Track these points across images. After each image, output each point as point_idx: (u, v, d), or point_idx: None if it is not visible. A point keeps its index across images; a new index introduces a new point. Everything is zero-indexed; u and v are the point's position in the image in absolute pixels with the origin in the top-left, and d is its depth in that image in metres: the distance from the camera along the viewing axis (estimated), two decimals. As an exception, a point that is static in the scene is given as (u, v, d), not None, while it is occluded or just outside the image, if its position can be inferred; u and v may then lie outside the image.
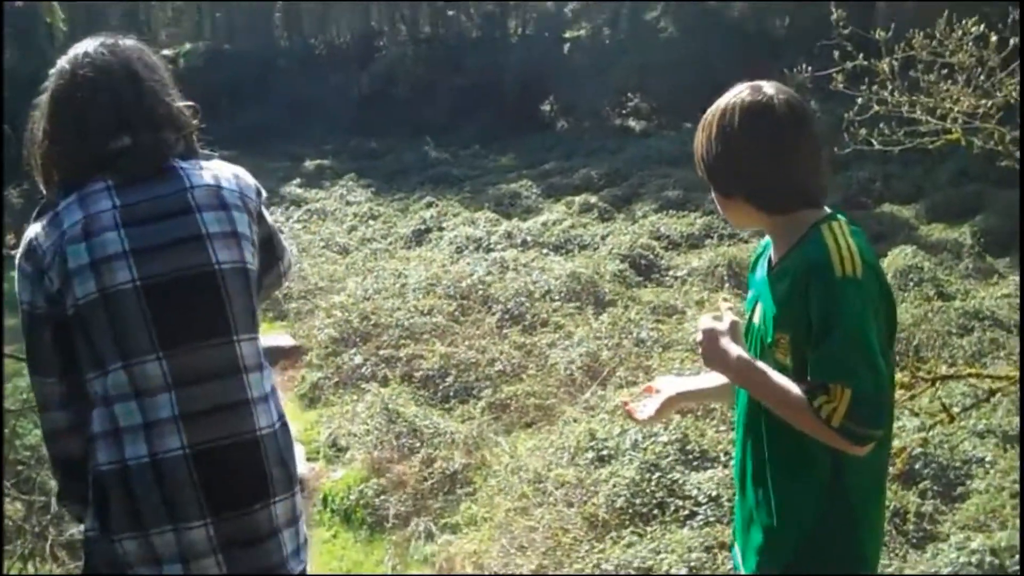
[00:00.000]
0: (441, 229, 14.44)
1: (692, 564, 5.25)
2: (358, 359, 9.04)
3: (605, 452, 6.44)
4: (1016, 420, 6.47)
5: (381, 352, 9.03)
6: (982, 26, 5.33)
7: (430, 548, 6.14)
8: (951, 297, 9.92)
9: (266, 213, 2.60)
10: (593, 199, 15.69)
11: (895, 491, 5.65)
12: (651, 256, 12.11)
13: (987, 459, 6.17)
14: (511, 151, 22.96)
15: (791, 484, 2.40)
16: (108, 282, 2.30)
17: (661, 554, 5.37)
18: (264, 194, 2.60)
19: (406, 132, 24.85)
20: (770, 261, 2.50)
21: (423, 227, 14.67)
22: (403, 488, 6.77)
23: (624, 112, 27.36)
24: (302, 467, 6.90)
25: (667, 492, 5.92)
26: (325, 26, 34.69)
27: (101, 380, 2.32)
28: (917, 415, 6.05)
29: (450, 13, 31.90)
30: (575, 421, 7.16)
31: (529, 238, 13.27)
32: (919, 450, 6.07)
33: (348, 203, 17.26)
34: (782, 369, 2.32)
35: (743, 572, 2.56)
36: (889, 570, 5.19)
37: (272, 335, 10.10)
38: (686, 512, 5.74)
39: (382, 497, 6.73)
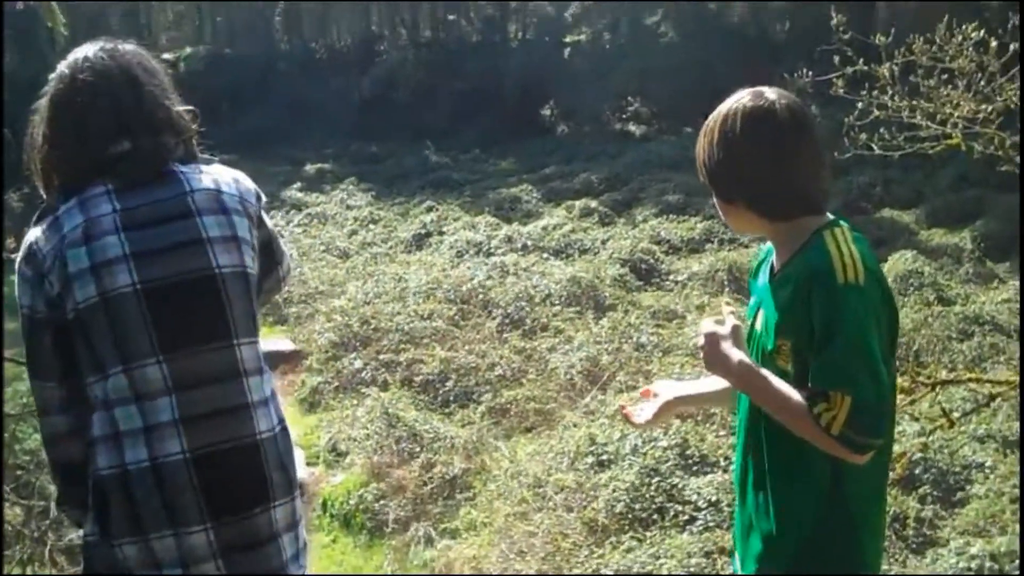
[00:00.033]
0: (441, 233, 14.44)
1: (692, 569, 5.25)
2: (358, 363, 9.04)
3: (605, 457, 6.44)
4: (1016, 425, 6.46)
5: (381, 356, 9.02)
6: (982, 31, 5.33)
7: (429, 553, 6.13)
8: (951, 302, 9.92)
9: (266, 217, 2.60)
10: (593, 203, 15.70)
11: (895, 496, 5.65)
12: (651, 260, 12.11)
13: (987, 464, 6.17)
14: (511, 155, 22.98)
15: (790, 490, 2.39)
16: (108, 286, 2.30)
17: (661, 559, 5.37)
18: (264, 198, 2.61)
19: (407, 136, 24.86)
20: (772, 267, 2.49)
21: (423, 231, 14.67)
22: (403, 493, 6.77)
23: (624, 116, 27.36)
24: (302, 471, 6.90)
25: (667, 497, 5.91)
26: (325, 30, 34.71)
27: (101, 384, 2.32)
28: (917, 420, 6.05)
29: (450, 17, 31.94)
30: (575, 426, 7.15)
31: (529, 242, 13.27)
32: (919, 455, 6.06)
33: (348, 207, 17.28)
34: (783, 376, 2.31)
35: None
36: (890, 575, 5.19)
37: (272, 339, 10.10)
38: (686, 517, 5.74)
39: (382, 502, 6.72)
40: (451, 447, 7.16)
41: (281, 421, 2.48)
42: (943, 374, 6.22)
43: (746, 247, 11.77)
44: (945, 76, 5.53)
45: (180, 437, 2.30)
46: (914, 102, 5.57)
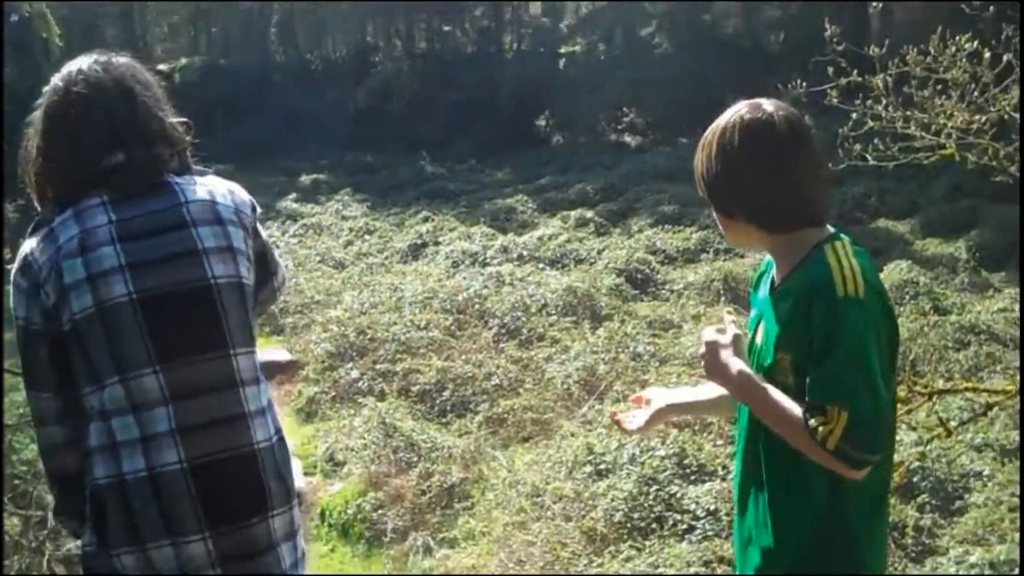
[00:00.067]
0: (437, 244, 14.46)
1: (690, 578, 5.25)
2: (355, 373, 9.04)
3: (603, 466, 6.44)
4: (1014, 434, 6.47)
5: (378, 366, 9.03)
6: (976, 42, 5.35)
7: (428, 562, 6.13)
8: (947, 311, 9.94)
9: (261, 228, 2.61)
10: (589, 214, 15.72)
11: (893, 505, 5.65)
12: (647, 270, 12.13)
13: (985, 473, 6.18)
14: (507, 166, 23.01)
15: (788, 504, 2.38)
16: (104, 296, 2.30)
17: (659, 568, 5.37)
18: (259, 209, 2.61)
19: (402, 147, 24.89)
20: (773, 281, 2.49)
21: (419, 242, 14.69)
22: (401, 502, 6.76)
23: (619, 127, 27.43)
24: (299, 481, 6.89)
25: (665, 506, 5.91)
26: (320, 41, 34.81)
27: (98, 394, 2.32)
28: (914, 429, 6.05)
29: (446, 28, 32.03)
30: (572, 435, 7.15)
31: (525, 252, 13.28)
32: (917, 464, 6.07)
33: (344, 218, 17.29)
34: (784, 389, 2.30)
35: None
36: (887, 584, 5.19)
37: (268, 350, 10.10)
38: (684, 526, 5.73)
39: (380, 511, 6.72)
40: (449, 456, 7.15)
41: (278, 431, 2.48)
42: (940, 383, 6.22)
43: (742, 257, 11.80)
44: (939, 87, 5.54)
45: (177, 447, 2.30)
46: (908, 113, 5.58)
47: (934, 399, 5.43)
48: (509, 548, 5.89)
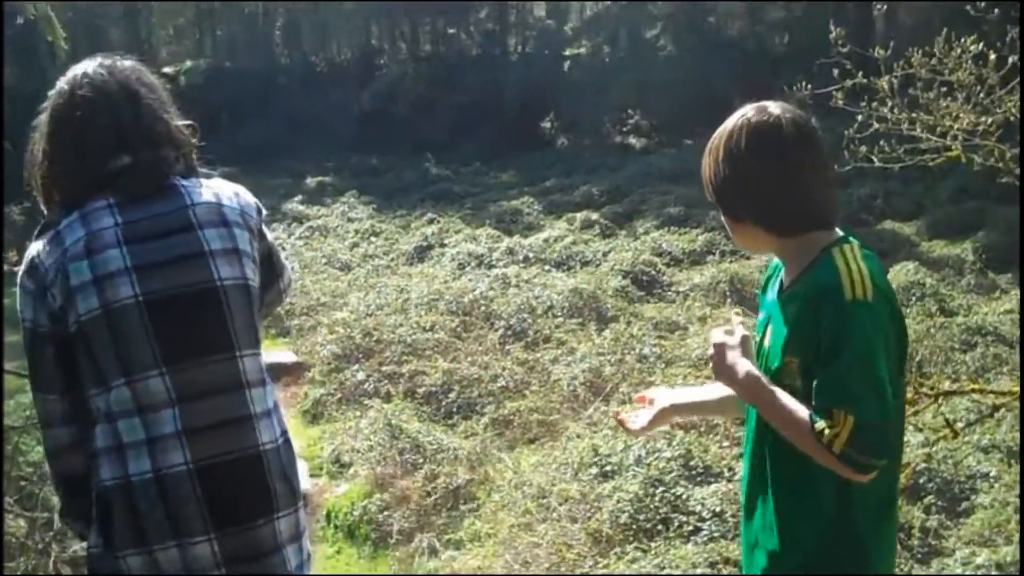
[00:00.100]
0: (443, 246, 14.47)
1: (696, 580, 5.25)
2: (361, 375, 9.05)
3: (608, 468, 6.44)
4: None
5: (384, 368, 9.04)
6: (981, 44, 5.34)
7: (434, 564, 6.13)
8: (953, 313, 9.93)
9: (266, 231, 2.61)
10: (594, 216, 15.73)
11: (899, 506, 5.64)
12: (653, 272, 12.13)
13: (991, 474, 6.17)
14: (512, 168, 23.03)
15: (795, 508, 2.36)
16: (111, 298, 2.30)
17: (665, 570, 5.37)
18: (264, 212, 2.61)
19: (407, 149, 24.91)
20: (781, 283, 2.48)
21: (425, 244, 14.70)
22: (407, 504, 6.77)
23: (624, 129, 27.45)
24: (305, 483, 6.89)
25: (671, 508, 5.91)
26: (326, 44, 34.83)
27: (104, 396, 2.33)
28: (921, 431, 6.05)
29: (450, 31, 32.05)
30: (578, 437, 7.15)
31: (531, 254, 13.29)
32: (923, 465, 6.07)
33: (350, 220, 17.31)
34: (792, 392, 2.29)
35: None
36: (894, 586, 5.18)
37: (274, 351, 10.12)
38: (690, 528, 5.73)
39: (385, 513, 6.72)
40: (454, 458, 7.16)
41: (284, 433, 2.48)
42: (946, 385, 6.21)
43: (748, 259, 11.79)
44: (944, 88, 5.53)
45: (183, 449, 2.30)
46: (914, 114, 5.57)
47: (940, 400, 5.41)
48: (515, 549, 5.89)
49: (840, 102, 5.75)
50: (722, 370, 2.39)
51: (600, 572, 5.56)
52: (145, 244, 2.35)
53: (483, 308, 10.39)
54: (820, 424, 2.18)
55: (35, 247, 2.39)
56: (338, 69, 32.93)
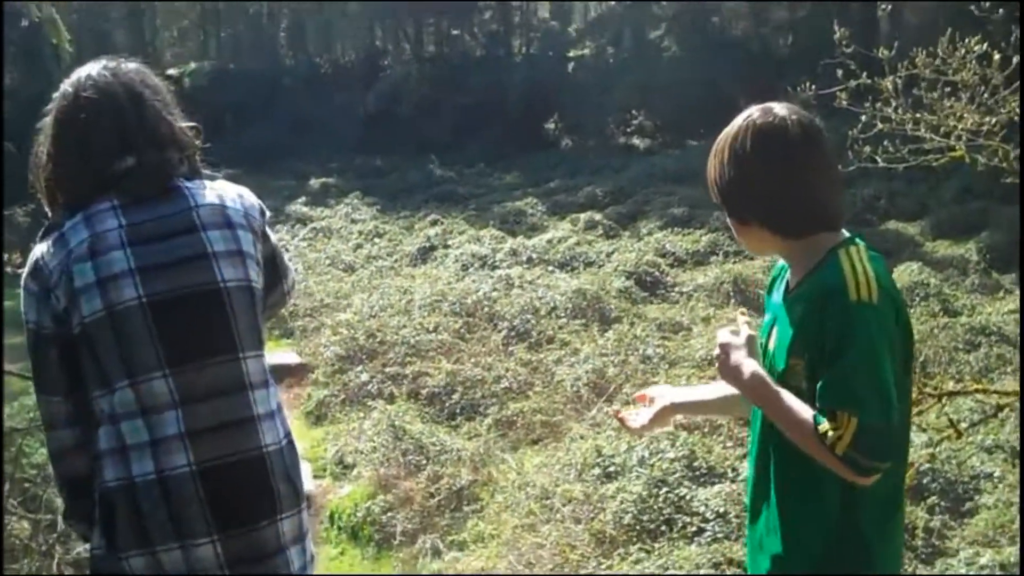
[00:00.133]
0: (446, 247, 14.48)
1: (700, 581, 5.24)
2: (364, 376, 9.05)
3: (612, 468, 6.44)
4: (1024, 436, 6.46)
5: (387, 369, 9.04)
6: (985, 44, 5.34)
7: (437, 565, 6.14)
8: (957, 313, 9.92)
9: (270, 232, 2.61)
10: (598, 216, 15.73)
11: (905, 508, 5.65)
12: (656, 273, 12.12)
13: (995, 474, 6.17)
14: (516, 169, 23.04)
15: (800, 511, 2.35)
16: (115, 299, 2.30)
17: (669, 571, 5.37)
18: (268, 213, 2.61)
19: (411, 150, 24.93)
20: (787, 285, 2.47)
21: (428, 245, 14.71)
22: (410, 505, 6.77)
23: (628, 130, 27.45)
24: (309, 484, 6.90)
25: (674, 508, 5.91)
26: (330, 45, 34.86)
27: (108, 398, 2.33)
28: (924, 431, 6.04)
29: (454, 32, 32.05)
30: (582, 438, 7.16)
31: (534, 255, 13.29)
32: (927, 466, 6.06)
33: (353, 221, 17.32)
34: (798, 394, 2.28)
35: None
36: (898, 586, 5.18)
37: (278, 353, 10.13)
38: (694, 528, 5.73)
39: (389, 514, 6.73)
40: (458, 459, 7.16)
41: (287, 434, 2.48)
42: (950, 385, 6.20)
43: (751, 259, 11.78)
44: (948, 89, 5.53)
45: (186, 450, 2.30)
46: (918, 115, 5.57)
47: (944, 400, 5.41)
48: (518, 550, 5.89)
49: (844, 102, 5.75)
50: (728, 370, 2.38)
51: (604, 573, 5.56)
52: (149, 246, 2.35)
53: (486, 309, 10.40)
54: (823, 426, 2.16)
55: (39, 249, 2.39)
56: (342, 70, 32.96)
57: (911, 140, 5.78)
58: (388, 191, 20.88)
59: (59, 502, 3.17)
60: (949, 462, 6.27)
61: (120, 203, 2.38)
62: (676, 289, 11.66)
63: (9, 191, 8.70)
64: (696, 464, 6.29)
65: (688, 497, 5.98)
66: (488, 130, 26.20)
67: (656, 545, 5.67)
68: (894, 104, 5.55)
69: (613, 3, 31.56)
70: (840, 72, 5.74)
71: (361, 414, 8.37)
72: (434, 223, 16.13)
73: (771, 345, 2.41)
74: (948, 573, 5.28)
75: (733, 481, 6.08)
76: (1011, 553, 5.21)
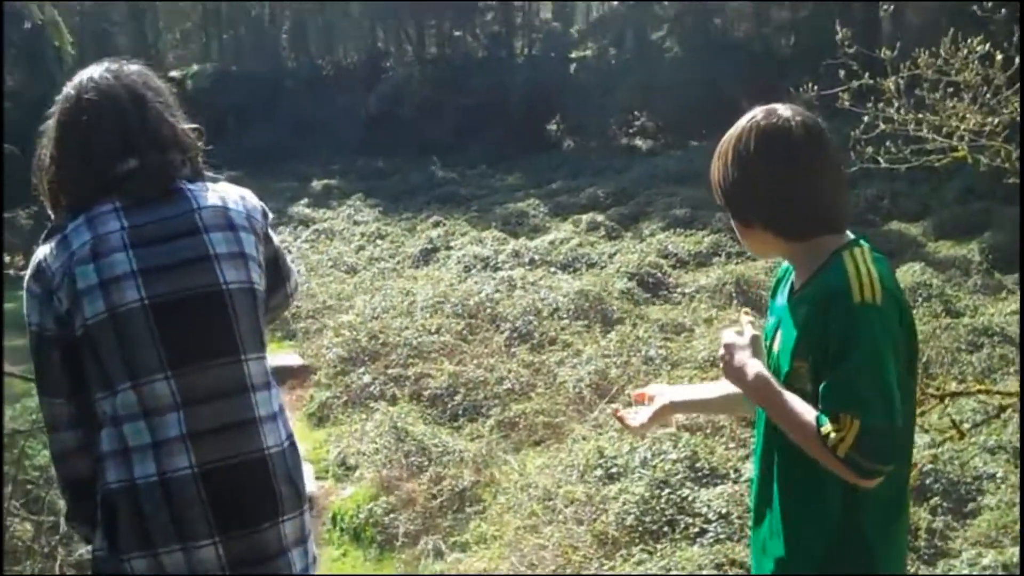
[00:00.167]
0: (448, 248, 14.48)
1: (702, 582, 5.24)
2: (366, 378, 9.06)
3: (614, 470, 6.44)
4: (1027, 436, 6.45)
5: (389, 371, 9.05)
6: (987, 44, 5.33)
7: (439, 566, 6.14)
8: (960, 314, 9.91)
9: (272, 234, 2.61)
10: (600, 218, 15.73)
11: (909, 509, 5.64)
12: (659, 274, 12.13)
13: (998, 475, 6.16)
14: (518, 170, 23.05)
15: (803, 514, 2.34)
16: (117, 301, 2.30)
17: (671, 572, 5.36)
18: (270, 216, 2.61)
19: (413, 152, 24.95)
20: (791, 287, 2.46)
21: (430, 246, 14.71)
22: (412, 506, 6.77)
23: (630, 131, 27.45)
24: (311, 486, 6.91)
25: (677, 509, 5.91)
26: (332, 47, 34.88)
27: (110, 400, 2.33)
28: (927, 432, 6.04)
29: (456, 34, 32.06)
30: (584, 439, 7.16)
31: (536, 257, 13.29)
32: (929, 466, 6.06)
33: (356, 223, 17.33)
34: (802, 396, 2.27)
35: None
36: (900, 587, 5.17)
37: (280, 355, 10.13)
38: (696, 529, 5.73)
39: (391, 515, 6.73)
40: (460, 460, 7.16)
41: (289, 436, 2.48)
42: (952, 386, 6.21)
43: (754, 260, 11.78)
44: (951, 89, 5.53)
45: (188, 452, 2.30)
46: (920, 115, 5.57)
47: (946, 401, 5.41)
48: (521, 552, 5.89)
49: (846, 103, 5.75)
50: (732, 370, 2.37)
51: (606, 574, 5.56)
52: (151, 248, 2.35)
53: (489, 310, 10.40)
54: (826, 427, 2.15)
55: (42, 251, 2.39)
56: (344, 72, 32.98)
57: (913, 140, 5.78)
58: (390, 193, 20.89)
59: (61, 504, 3.18)
60: (951, 463, 6.27)
61: (122, 205, 2.38)
62: (678, 290, 11.65)
63: (12, 193, 8.71)
64: (698, 465, 6.29)
65: (690, 498, 5.98)
66: (490, 131, 26.21)
67: (658, 546, 5.67)
68: (896, 104, 5.55)
69: (615, 4, 31.58)
70: (842, 72, 5.74)
71: (363, 416, 8.38)
72: (436, 225, 16.14)
73: (775, 347, 2.40)
74: (951, 574, 5.27)
75: (735, 482, 6.07)
76: (1013, 554, 5.20)
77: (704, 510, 5.86)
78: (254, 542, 2.36)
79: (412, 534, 6.55)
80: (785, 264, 2.52)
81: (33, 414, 6.33)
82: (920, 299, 10.18)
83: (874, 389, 2.15)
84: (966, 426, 6.09)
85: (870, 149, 5.83)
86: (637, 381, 8.22)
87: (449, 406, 8.34)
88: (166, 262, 2.35)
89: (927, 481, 6.07)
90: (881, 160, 5.87)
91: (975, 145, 5.63)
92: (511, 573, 5.78)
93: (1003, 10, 6.29)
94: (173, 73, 27.18)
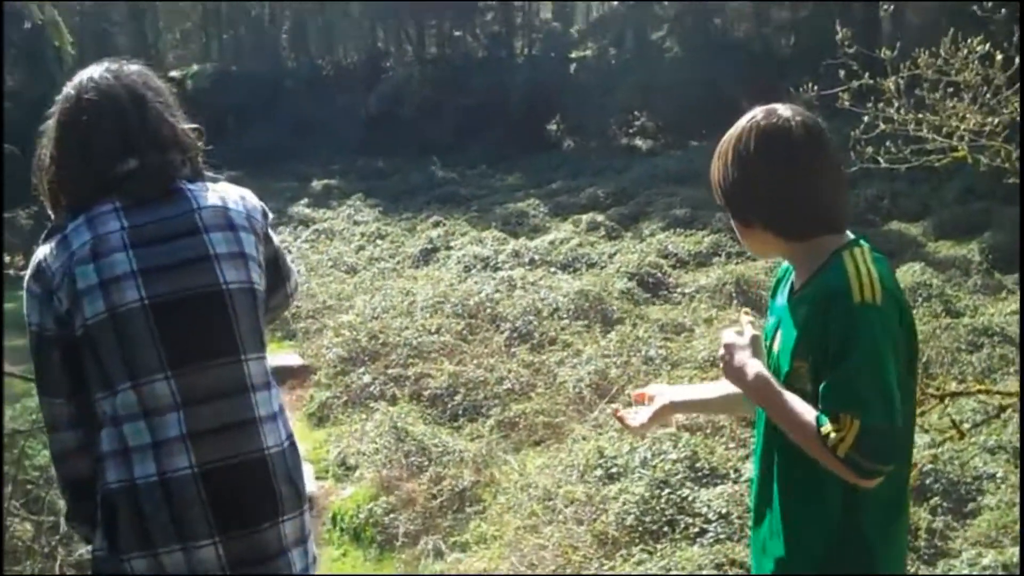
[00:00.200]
0: (448, 248, 14.48)
1: (702, 582, 5.24)
2: (366, 378, 9.06)
3: (614, 470, 6.44)
4: (1026, 436, 6.45)
5: (389, 371, 9.05)
6: (987, 44, 5.33)
7: (439, 566, 6.14)
8: (960, 314, 9.91)
9: (272, 234, 2.61)
10: (600, 218, 15.73)
11: (910, 509, 5.64)
12: (659, 274, 12.13)
13: (998, 475, 6.16)
14: (518, 170, 23.05)
15: (803, 514, 2.34)
16: (117, 301, 2.30)
17: (672, 572, 5.36)
18: (270, 216, 2.61)
19: (413, 152, 24.96)
20: (791, 287, 2.46)
21: (430, 246, 14.72)
22: (412, 506, 6.77)
23: (630, 131, 27.45)
24: (311, 486, 6.91)
25: (677, 509, 5.91)
26: (332, 47, 34.88)
27: (110, 400, 2.33)
28: (927, 432, 6.04)
29: (456, 34, 32.06)
30: (584, 439, 7.16)
31: (536, 257, 13.29)
32: (929, 466, 6.06)
33: (356, 223, 17.33)
34: (802, 396, 2.27)
35: None
36: (900, 587, 5.17)
37: (280, 355, 10.13)
38: (696, 529, 5.73)
39: (391, 515, 6.73)
40: (460, 461, 7.16)
41: (289, 436, 2.48)
42: (952, 386, 6.21)
43: (754, 260, 11.79)
44: (951, 89, 5.53)
45: (188, 452, 2.30)
46: (920, 115, 5.57)
47: (946, 401, 5.41)
48: (521, 552, 5.89)
49: (846, 103, 5.75)
50: (732, 370, 2.37)
51: (606, 574, 5.56)
52: (151, 248, 2.35)
53: (489, 310, 10.40)
54: (826, 427, 2.15)
55: (42, 251, 2.39)
56: (344, 72, 32.98)
57: (913, 140, 5.78)
58: (390, 193, 20.90)
59: (61, 504, 3.18)
60: (951, 463, 6.27)
61: (122, 205, 2.38)
62: (678, 290, 11.66)
63: (12, 193, 8.71)
64: (698, 465, 6.29)
65: (690, 498, 5.98)
66: (490, 131, 26.22)
67: (658, 546, 5.67)
68: (896, 104, 5.55)
69: (615, 4, 31.58)
70: (842, 72, 5.74)
71: (363, 416, 8.38)
72: (436, 225, 16.14)
73: (775, 347, 2.40)
74: (950, 574, 5.27)
75: (735, 482, 6.07)
76: (1013, 554, 5.20)
77: (704, 510, 5.86)
78: (254, 542, 2.36)
79: (412, 534, 6.55)
80: (785, 264, 2.52)
81: (33, 414, 6.33)
82: (920, 299, 10.18)
83: (874, 389, 2.15)
84: (966, 426, 6.10)
85: (870, 149, 5.83)
86: (637, 381, 8.22)
87: (449, 406, 8.34)
88: (166, 262, 2.35)
89: (927, 481, 6.07)
90: (881, 160, 5.87)
91: (975, 145, 5.63)
92: (511, 573, 5.78)
93: (1003, 10, 6.29)
94: (173, 73, 27.18)
